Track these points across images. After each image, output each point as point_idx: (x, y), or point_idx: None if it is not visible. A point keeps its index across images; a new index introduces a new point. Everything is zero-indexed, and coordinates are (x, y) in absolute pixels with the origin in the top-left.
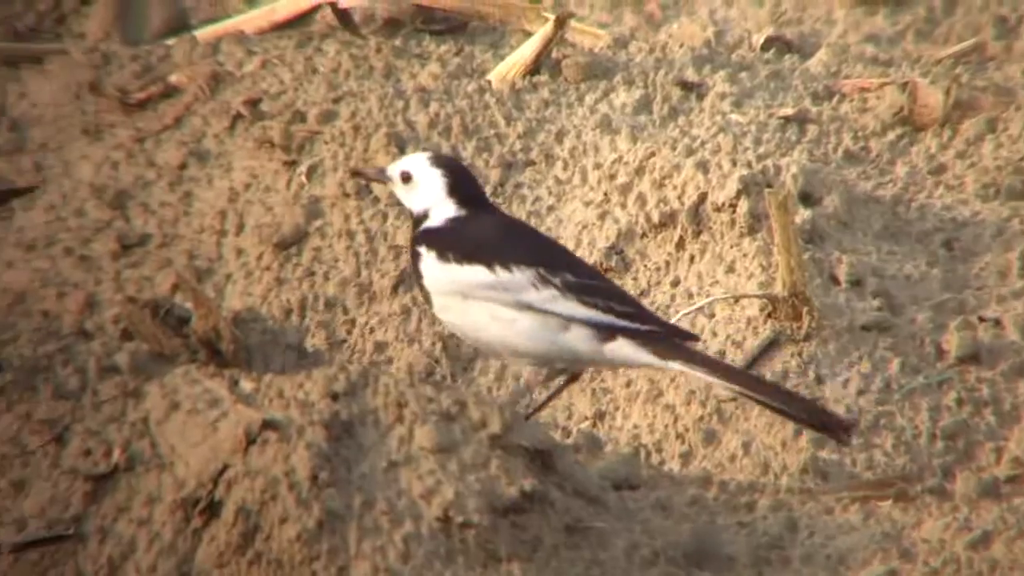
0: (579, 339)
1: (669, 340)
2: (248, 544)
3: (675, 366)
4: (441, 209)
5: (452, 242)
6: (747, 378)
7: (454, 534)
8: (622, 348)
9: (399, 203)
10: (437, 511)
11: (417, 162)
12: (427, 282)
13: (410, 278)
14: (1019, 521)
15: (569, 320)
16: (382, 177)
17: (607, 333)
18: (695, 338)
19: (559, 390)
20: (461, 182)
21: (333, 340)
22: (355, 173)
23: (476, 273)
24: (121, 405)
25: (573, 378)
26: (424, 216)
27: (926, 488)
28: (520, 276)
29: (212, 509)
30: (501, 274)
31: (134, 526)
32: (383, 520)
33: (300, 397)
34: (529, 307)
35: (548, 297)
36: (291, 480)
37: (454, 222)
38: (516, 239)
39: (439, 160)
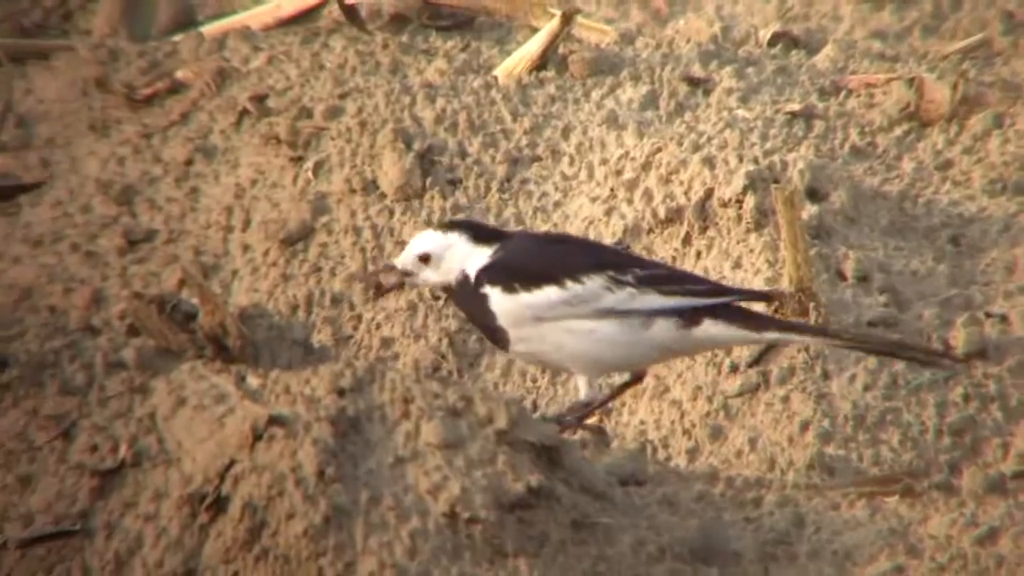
0: (664, 331)
1: (755, 313)
2: (255, 540)
3: (770, 336)
4: (475, 258)
5: (511, 273)
6: (842, 334)
7: (460, 530)
8: (711, 329)
9: (415, 284)
10: (444, 507)
11: (430, 240)
12: (501, 320)
13: None
14: None
15: (652, 315)
16: (399, 275)
17: (692, 319)
18: (771, 296)
19: (620, 391)
20: (478, 230)
21: (339, 336)
22: (370, 288)
23: (548, 294)
24: (128, 401)
25: (636, 379)
26: (462, 277)
27: (933, 484)
28: (592, 284)
29: (219, 505)
30: (572, 287)
31: (141, 521)
32: (390, 516)
33: (306, 393)
34: (608, 312)
35: (626, 297)
36: (298, 476)
37: (498, 256)
38: (569, 250)
39: (448, 225)
